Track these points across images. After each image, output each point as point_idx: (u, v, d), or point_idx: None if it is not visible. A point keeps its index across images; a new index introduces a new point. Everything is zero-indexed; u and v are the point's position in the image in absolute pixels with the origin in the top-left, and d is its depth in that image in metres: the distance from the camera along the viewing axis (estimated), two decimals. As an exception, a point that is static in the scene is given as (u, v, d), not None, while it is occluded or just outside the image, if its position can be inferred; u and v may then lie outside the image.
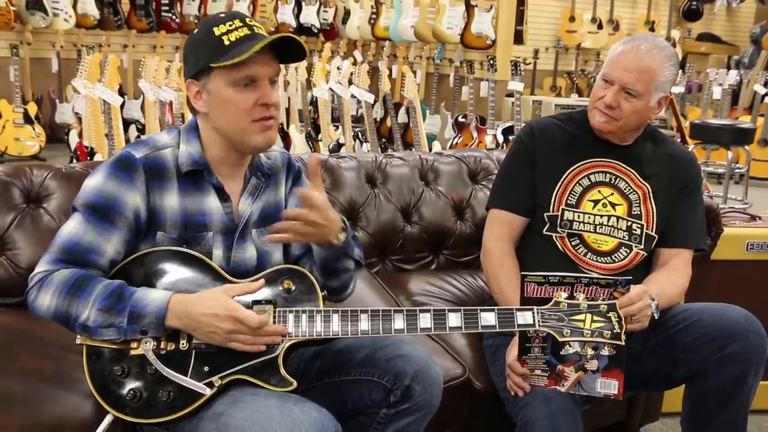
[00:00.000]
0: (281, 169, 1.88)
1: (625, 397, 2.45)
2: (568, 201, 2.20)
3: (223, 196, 1.75)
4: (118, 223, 1.65)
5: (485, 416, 2.22)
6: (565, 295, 1.73)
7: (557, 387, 1.83)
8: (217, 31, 1.64)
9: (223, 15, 1.68)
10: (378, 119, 8.36)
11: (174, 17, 8.35)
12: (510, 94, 6.87)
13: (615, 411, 2.57)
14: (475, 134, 6.85)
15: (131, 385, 1.62)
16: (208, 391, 1.60)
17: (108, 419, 1.63)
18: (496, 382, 2.13)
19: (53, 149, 7.30)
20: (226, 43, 1.62)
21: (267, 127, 1.69)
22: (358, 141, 6.50)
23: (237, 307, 1.59)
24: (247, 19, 1.67)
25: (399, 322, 1.67)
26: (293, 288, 1.71)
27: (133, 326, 1.57)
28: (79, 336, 1.64)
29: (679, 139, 6.31)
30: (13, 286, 2.09)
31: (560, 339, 1.73)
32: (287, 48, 1.68)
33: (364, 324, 1.67)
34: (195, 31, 1.71)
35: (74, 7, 7.82)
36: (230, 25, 1.64)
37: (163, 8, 8.32)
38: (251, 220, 1.80)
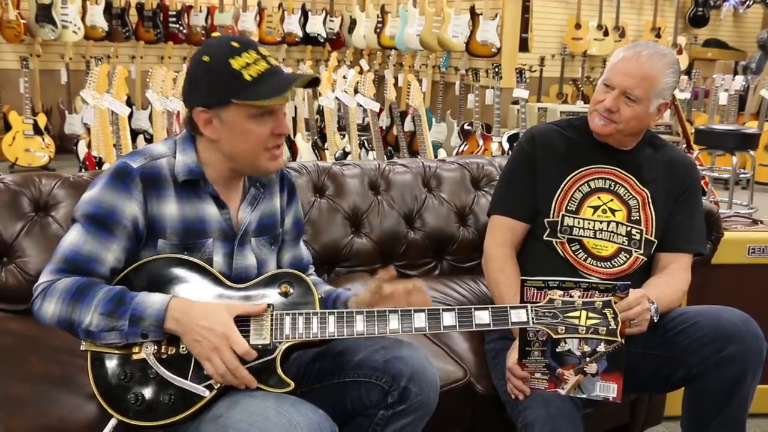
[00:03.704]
0: (275, 180, 1.94)
1: (625, 399, 2.48)
2: (568, 207, 2.22)
3: (220, 204, 1.79)
4: (117, 232, 1.68)
5: (487, 419, 2.23)
6: (560, 292, 1.74)
7: (557, 390, 1.85)
8: (234, 64, 1.64)
9: (237, 45, 1.67)
10: (384, 128, 8.40)
11: (181, 28, 8.44)
12: (515, 102, 6.90)
13: (618, 414, 2.58)
14: (480, 142, 6.88)
15: (134, 389, 1.65)
16: (208, 394, 1.63)
17: (112, 422, 1.66)
18: (497, 385, 2.15)
19: (62, 160, 7.37)
20: (247, 78, 1.64)
21: (278, 155, 1.75)
22: (364, 149, 6.54)
23: (234, 330, 1.62)
24: (261, 49, 1.69)
25: (394, 323, 1.69)
26: (290, 291, 1.73)
27: (134, 329, 1.60)
28: (83, 343, 1.67)
29: (684, 145, 6.33)
30: (22, 293, 2.12)
31: (555, 336, 1.74)
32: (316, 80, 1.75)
33: (360, 325, 1.69)
34: (206, 58, 1.67)
35: (83, 19, 7.92)
36: (247, 58, 1.65)
37: (171, 20, 8.42)
38: (250, 228, 1.83)
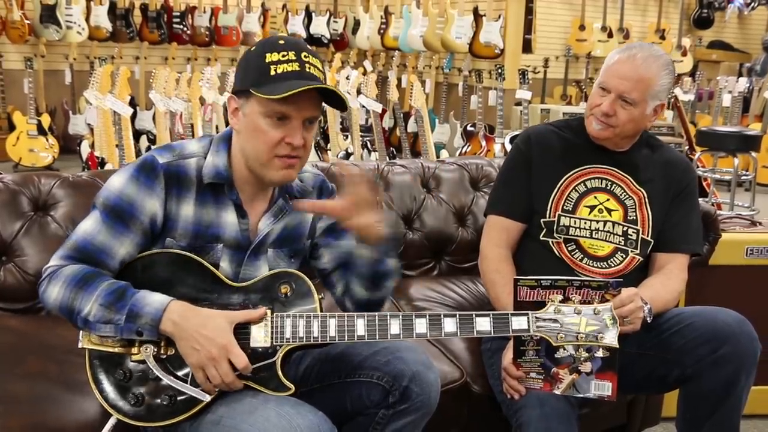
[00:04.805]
0: (312, 192, 1.88)
1: (622, 400, 2.48)
2: (565, 207, 2.22)
3: (241, 213, 1.75)
4: (133, 227, 1.67)
5: (483, 419, 2.24)
6: (560, 298, 1.74)
7: (553, 390, 1.85)
8: (269, 57, 1.62)
9: (282, 42, 1.66)
10: (388, 129, 8.41)
11: (185, 29, 8.47)
12: (518, 103, 6.91)
13: (615, 414, 2.58)
14: (483, 143, 6.88)
15: (133, 389, 1.65)
16: (208, 398, 1.63)
17: (112, 422, 1.67)
18: (493, 385, 2.15)
19: (66, 160, 7.39)
20: (272, 73, 1.61)
21: (288, 165, 1.67)
22: (366, 150, 6.55)
23: (234, 343, 1.61)
24: (303, 54, 1.64)
25: (395, 328, 1.68)
26: (290, 292, 1.71)
27: (130, 325, 1.59)
28: (80, 340, 1.68)
29: (686, 147, 6.33)
30: (21, 292, 2.15)
31: (555, 344, 1.73)
32: (331, 93, 1.67)
33: (361, 329, 1.68)
34: (252, 49, 1.68)
35: (87, 19, 7.95)
36: (283, 56, 1.62)
37: (175, 20, 8.44)
38: (269, 239, 1.80)
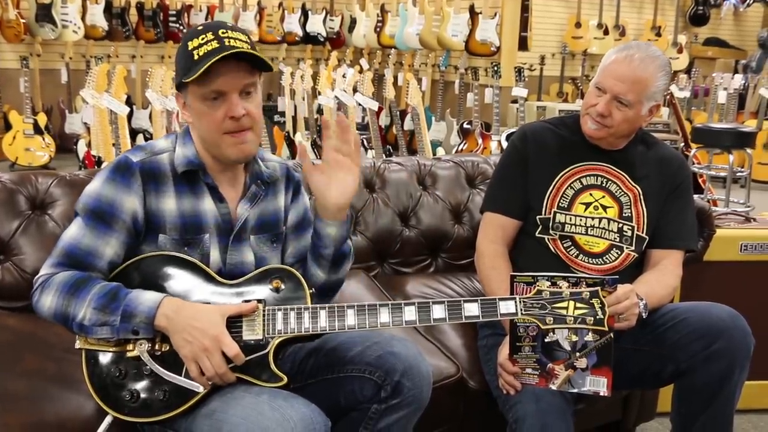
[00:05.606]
0: (280, 179, 1.93)
1: (617, 395, 2.50)
2: (560, 204, 2.24)
3: (218, 197, 1.80)
4: (116, 226, 1.70)
5: (479, 414, 2.25)
6: (548, 283, 1.76)
7: (548, 385, 1.87)
8: (190, 45, 1.68)
9: (200, 27, 1.71)
10: (384, 127, 8.41)
11: (181, 28, 8.46)
12: (515, 100, 6.91)
13: (610, 410, 2.60)
14: (480, 140, 6.89)
15: (129, 386, 1.66)
16: (202, 390, 1.64)
17: (108, 419, 1.68)
18: (489, 380, 2.17)
19: (63, 159, 7.39)
20: (195, 57, 1.66)
21: (240, 141, 1.72)
22: (363, 148, 6.55)
23: (225, 333, 1.63)
24: (221, 31, 1.68)
25: (384, 316, 1.71)
26: (282, 287, 1.75)
27: (125, 325, 1.62)
28: (77, 340, 1.69)
29: (682, 143, 6.34)
30: (18, 290, 2.15)
31: (543, 327, 1.76)
32: (258, 57, 1.71)
33: (351, 319, 1.70)
34: (180, 45, 1.76)
35: (83, 18, 7.93)
36: (202, 39, 1.67)
37: (171, 19, 8.44)
38: (248, 225, 1.84)
